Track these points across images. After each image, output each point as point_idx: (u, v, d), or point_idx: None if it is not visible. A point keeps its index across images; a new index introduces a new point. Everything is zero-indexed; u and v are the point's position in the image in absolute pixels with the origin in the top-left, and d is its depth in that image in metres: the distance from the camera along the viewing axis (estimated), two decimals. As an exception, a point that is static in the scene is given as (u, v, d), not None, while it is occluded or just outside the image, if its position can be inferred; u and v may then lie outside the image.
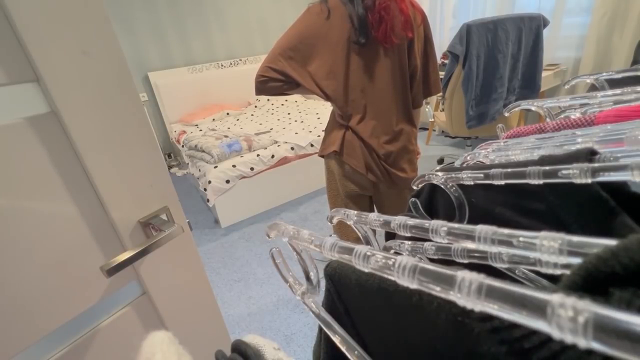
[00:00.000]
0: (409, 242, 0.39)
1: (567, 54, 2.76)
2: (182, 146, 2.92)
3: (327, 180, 1.27)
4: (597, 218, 0.30)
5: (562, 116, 0.60)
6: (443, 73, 2.09)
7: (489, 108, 2.07)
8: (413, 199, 0.49)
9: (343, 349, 0.28)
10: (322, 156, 1.23)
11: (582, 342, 0.11)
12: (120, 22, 3.15)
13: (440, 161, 3.03)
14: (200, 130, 3.08)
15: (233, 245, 2.21)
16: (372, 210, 1.33)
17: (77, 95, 0.46)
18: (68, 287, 0.50)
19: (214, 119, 3.48)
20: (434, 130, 3.67)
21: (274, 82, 1.07)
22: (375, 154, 1.11)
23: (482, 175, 0.37)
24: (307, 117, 3.20)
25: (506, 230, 0.20)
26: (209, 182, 2.25)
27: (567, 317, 0.11)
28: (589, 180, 0.28)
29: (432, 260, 0.32)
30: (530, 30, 2.01)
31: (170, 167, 3.65)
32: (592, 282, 0.14)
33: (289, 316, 1.59)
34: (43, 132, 0.44)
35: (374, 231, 0.42)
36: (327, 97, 1.07)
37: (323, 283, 0.34)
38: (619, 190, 0.30)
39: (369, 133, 1.09)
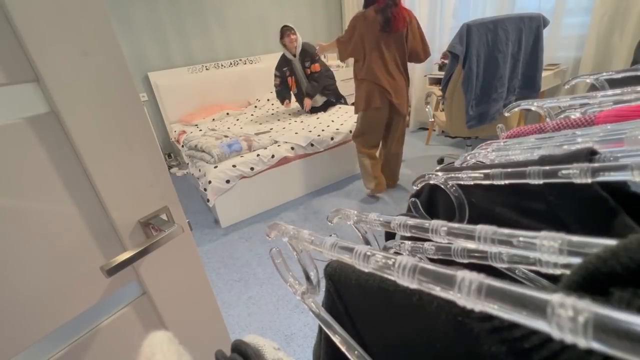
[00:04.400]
0: (409, 242, 0.39)
1: (567, 54, 2.76)
2: (182, 146, 2.92)
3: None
4: (597, 218, 0.30)
5: (562, 116, 0.60)
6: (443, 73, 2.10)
7: (489, 108, 2.07)
8: (413, 199, 0.49)
9: (343, 349, 0.28)
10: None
11: (582, 342, 0.11)
12: (120, 22, 3.15)
13: (440, 161, 3.03)
14: (200, 130, 3.08)
15: (233, 245, 2.21)
16: (385, 134, 2.46)
17: (77, 95, 0.46)
18: (68, 287, 0.50)
19: (214, 119, 3.47)
20: (434, 130, 3.67)
21: None
22: (387, 92, 2.19)
23: (482, 175, 0.37)
24: (306, 117, 3.20)
25: (506, 230, 0.20)
26: (209, 182, 2.25)
27: (567, 317, 0.11)
28: (589, 180, 0.28)
29: (432, 260, 0.32)
30: (530, 30, 2.01)
31: (170, 167, 3.65)
32: (592, 282, 0.14)
33: (289, 316, 1.59)
34: (43, 132, 0.44)
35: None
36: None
37: (323, 283, 0.34)
38: (619, 190, 0.30)
39: (384, 81, 2.18)
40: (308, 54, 3.04)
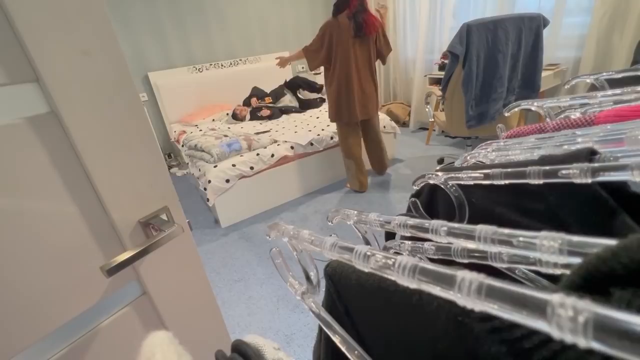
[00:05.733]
0: (409, 242, 0.39)
1: (567, 54, 2.76)
2: (182, 146, 2.92)
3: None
4: (597, 218, 0.30)
5: (562, 116, 0.60)
6: (444, 73, 2.10)
7: (489, 108, 2.06)
8: (413, 199, 0.49)
9: (343, 349, 0.28)
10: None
11: (582, 342, 0.11)
12: (120, 22, 3.15)
13: (440, 161, 3.03)
14: (200, 130, 3.08)
15: (233, 245, 2.21)
16: (361, 133, 2.59)
17: (77, 95, 0.46)
18: (68, 287, 0.50)
19: (213, 119, 3.47)
20: (434, 130, 3.67)
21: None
22: (355, 107, 2.32)
23: (482, 175, 0.37)
24: (306, 117, 3.20)
25: (506, 230, 0.20)
26: (209, 181, 2.25)
27: (567, 316, 0.11)
28: (589, 180, 0.28)
29: (432, 260, 0.32)
30: (530, 30, 2.01)
31: (170, 167, 3.65)
32: (592, 281, 0.14)
33: (289, 316, 1.59)
34: (43, 132, 0.44)
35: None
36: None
37: (323, 283, 0.34)
38: (619, 190, 0.30)
39: (355, 92, 2.29)
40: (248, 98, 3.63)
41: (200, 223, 2.53)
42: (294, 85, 3.73)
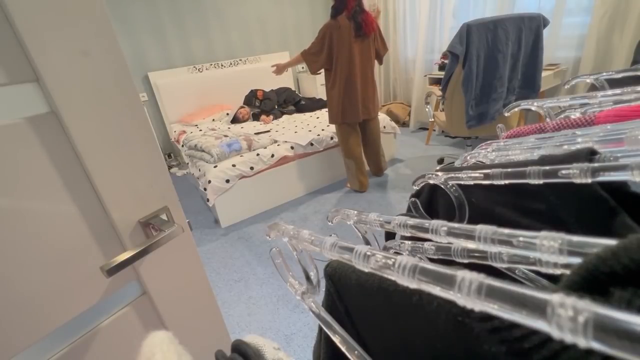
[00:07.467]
0: (409, 242, 0.39)
1: (567, 54, 2.76)
2: (182, 146, 2.92)
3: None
4: (597, 218, 0.30)
5: (562, 116, 0.60)
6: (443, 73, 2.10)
7: (489, 108, 2.06)
8: (413, 199, 0.49)
9: (343, 349, 0.28)
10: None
11: (582, 342, 0.11)
12: (120, 22, 3.15)
13: (440, 161, 3.03)
14: (200, 130, 3.08)
15: (233, 245, 2.21)
16: (360, 134, 2.58)
17: (77, 95, 0.46)
18: (68, 287, 0.50)
19: (213, 119, 3.47)
20: (434, 130, 3.67)
21: None
22: (358, 106, 2.36)
23: (482, 175, 0.37)
24: (305, 118, 3.20)
25: (506, 230, 0.20)
26: (209, 181, 2.25)
27: (567, 316, 0.11)
28: (589, 180, 0.28)
29: (432, 260, 0.32)
30: (530, 30, 2.01)
31: (170, 167, 3.65)
32: (592, 281, 0.14)
33: (289, 316, 1.59)
34: (43, 132, 0.44)
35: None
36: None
37: (323, 283, 0.34)
38: (619, 190, 0.30)
39: (357, 92, 2.33)
40: (252, 93, 3.64)
41: (200, 223, 2.53)
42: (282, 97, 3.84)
